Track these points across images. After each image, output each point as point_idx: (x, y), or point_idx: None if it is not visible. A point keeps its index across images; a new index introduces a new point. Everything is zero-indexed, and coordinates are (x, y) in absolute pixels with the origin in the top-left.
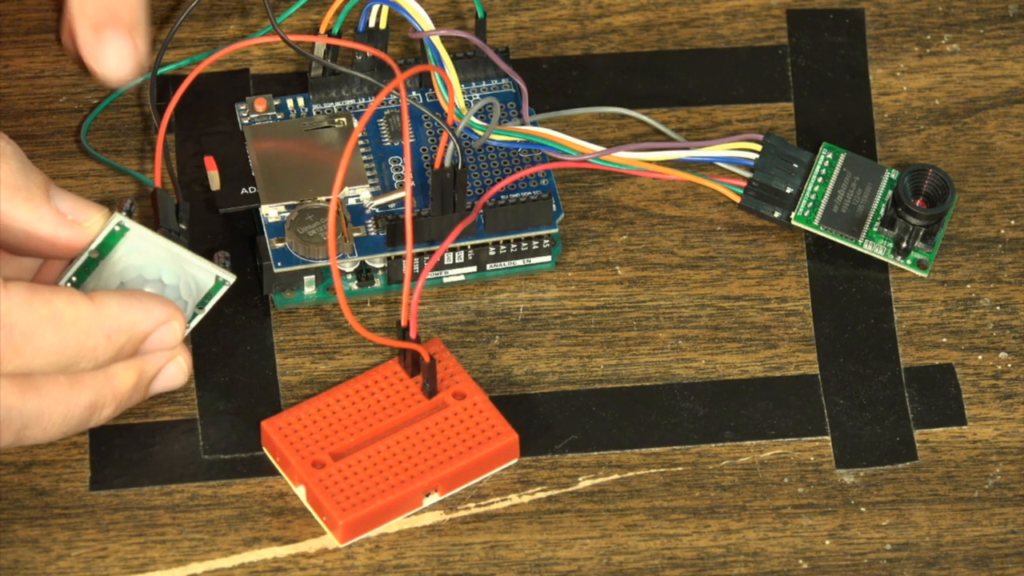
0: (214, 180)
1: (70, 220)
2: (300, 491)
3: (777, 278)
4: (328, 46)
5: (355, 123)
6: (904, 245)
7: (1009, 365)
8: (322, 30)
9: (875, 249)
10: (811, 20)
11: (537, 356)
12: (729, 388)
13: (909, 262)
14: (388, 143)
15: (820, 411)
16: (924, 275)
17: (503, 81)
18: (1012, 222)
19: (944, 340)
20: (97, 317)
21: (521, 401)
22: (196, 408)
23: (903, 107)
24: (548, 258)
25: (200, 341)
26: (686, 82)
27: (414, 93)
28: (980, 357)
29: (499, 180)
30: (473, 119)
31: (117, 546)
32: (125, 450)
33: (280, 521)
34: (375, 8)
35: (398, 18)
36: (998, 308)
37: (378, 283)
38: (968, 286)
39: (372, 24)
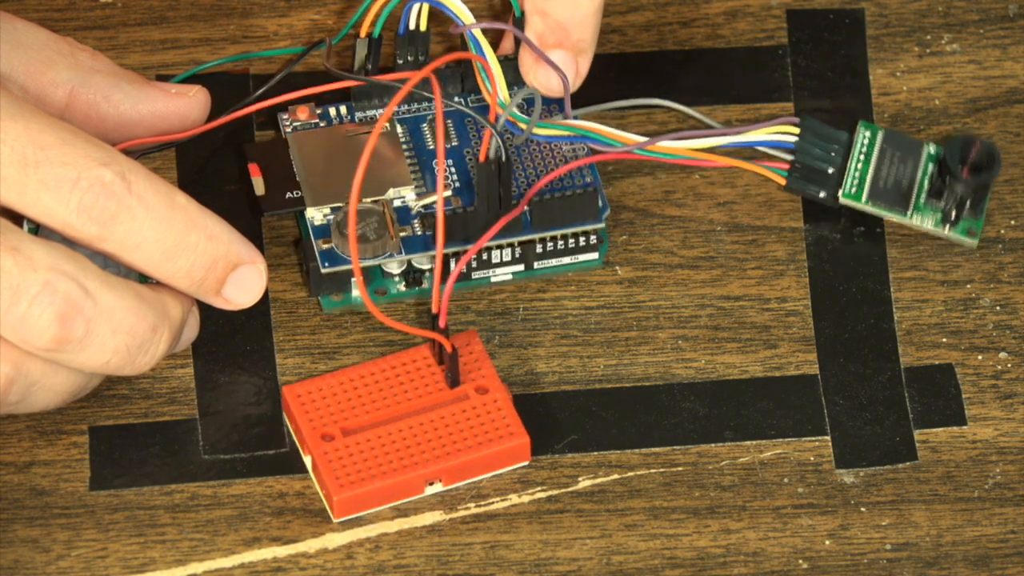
0: (259, 185)
1: (174, 92)
2: (307, 460)
3: (777, 278)
4: (369, 49)
5: (397, 128)
6: (953, 215)
7: (1009, 365)
8: (363, 34)
9: (924, 222)
10: (811, 20)
11: (537, 356)
12: (729, 388)
13: (959, 231)
14: (431, 147)
15: (820, 411)
16: (974, 243)
17: None
18: (1012, 222)
19: (944, 340)
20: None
21: (521, 401)
22: (196, 408)
23: (903, 107)
24: (596, 255)
25: (200, 341)
26: (686, 82)
27: (457, 99)
28: (980, 357)
29: (543, 175)
30: (515, 111)
31: (117, 546)
32: (125, 450)
33: (280, 521)
34: (415, 8)
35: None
36: (998, 308)
37: (426, 284)
38: (968, 286)
39: (412, 26)
